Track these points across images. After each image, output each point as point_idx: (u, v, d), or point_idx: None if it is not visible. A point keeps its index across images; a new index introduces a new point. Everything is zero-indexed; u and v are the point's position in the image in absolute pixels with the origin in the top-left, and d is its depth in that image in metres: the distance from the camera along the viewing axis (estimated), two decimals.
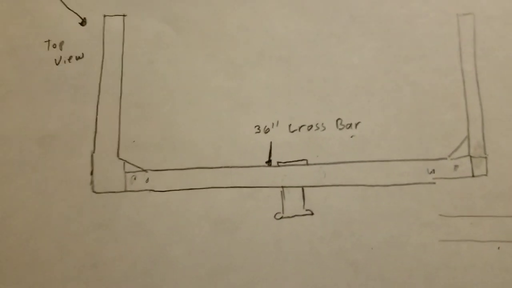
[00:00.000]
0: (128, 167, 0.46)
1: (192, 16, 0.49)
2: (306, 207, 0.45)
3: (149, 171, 0.46)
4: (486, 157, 0.46)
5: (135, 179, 0.46)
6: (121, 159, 0.46)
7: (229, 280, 0.45)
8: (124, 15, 0.49)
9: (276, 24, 0.49)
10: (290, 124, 0.46)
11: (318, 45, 0.48)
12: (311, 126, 0.46)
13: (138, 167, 0.46)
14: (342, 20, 0.48)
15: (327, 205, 0.45)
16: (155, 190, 0.46)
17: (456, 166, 0.45)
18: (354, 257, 0.45)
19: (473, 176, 0.45)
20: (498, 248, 0.44)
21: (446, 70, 0.47)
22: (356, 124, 0.46)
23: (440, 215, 0.45)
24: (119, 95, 0.47)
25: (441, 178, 0.45)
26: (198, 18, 0.49)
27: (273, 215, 0.45)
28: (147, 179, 0.46)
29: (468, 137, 0.46)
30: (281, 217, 0.45)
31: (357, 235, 0.45)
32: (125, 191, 0.46)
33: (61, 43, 0.49)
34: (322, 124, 0.46)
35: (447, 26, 0.48)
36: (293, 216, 0.45)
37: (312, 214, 0.45)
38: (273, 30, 0.49)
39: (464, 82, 0.47)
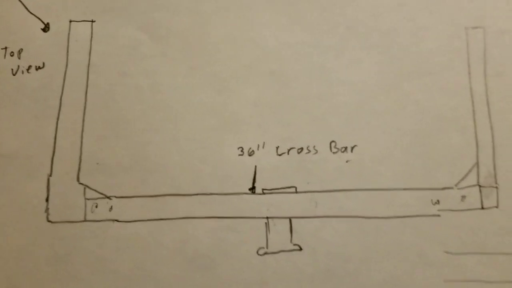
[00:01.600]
0: (89, 193, 0.44)
1: (172, 24, 0.48)
2: (294, 241, 0.43)
3: (113, 198, 0.43)
4: (497, 187, 0.44)
5: (96, 207, 0.44)
6: (81, 183, 0.44)
7: None
8: (92, 21, 0.48)
9: (266, 35, 0.48)
10: (278, 146, 0.44)
11: (313, 59, 0.47)
12: (302, 148, 0.44)
13: (101, 193, 0.44)
14: (339, 32, 0.48)
15: (319, 239, 0.43)
16: (120, 220, 0.44)
17: (463, 197, 0.44)
18: None
19: (482, 208, 0.44)
20: None
21: (454, 89, 0.46)
22: (352, 148, 0.45)
23: (446, 252, 0.43)
24: (83, 110, 0.46)
25: (446, 210, 0.44)
26: (179, 26, 0.48)
27: (256, 251, 0.43)
28: (111, 207, 0.44)
29: (477, 165, 0.45)
30: (265, 253, 0.43)
31: (352, 274, 0.43)
32: (85, 220, 0.44)
33: (20, 51, 0.47)
34: (314, 147, 0.45)
35: (455, 40, 0.47)
36: (278, 252, 0.43)
37: (301, 249, 0.43)
38: (263, 41, 0.48)
39: (473, 103, 0.46)
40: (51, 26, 0.48)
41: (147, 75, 0.47)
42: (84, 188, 0.44)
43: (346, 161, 0.45)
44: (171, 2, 0.48)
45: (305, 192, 0.44)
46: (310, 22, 0.48)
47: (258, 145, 0.45)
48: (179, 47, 0.47)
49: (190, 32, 0.48)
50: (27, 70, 0.47)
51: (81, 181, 0.44)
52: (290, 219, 0.44)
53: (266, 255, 0.43)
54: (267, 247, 0.43)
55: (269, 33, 0.48)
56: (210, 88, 0.46)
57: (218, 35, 0.48)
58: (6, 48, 0.47)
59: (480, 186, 0.44)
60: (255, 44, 0.47)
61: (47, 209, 0.44)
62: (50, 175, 0.44)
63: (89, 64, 0.47)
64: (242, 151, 0.45)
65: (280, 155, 0.45)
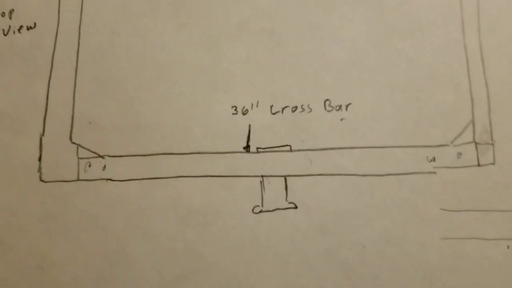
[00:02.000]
0: (82, 152, 0.44)
1: None
2: (289, 199, 0.42)
3: (106, 157, 0.43)
4: (493, 144, 0.44)
5: (90, 166, 0.43)
6: (74, 143, 0.44)
7: (199, 284, 0.42)
8: None
9: None
10: (272, 105, 0.44)
11: (304, 16, 0.46)
12: (296, 107, 0.44)
13: (94, 152, 0.44)
14: None
15: (313, 197, 0.43)
16: (114, 179, 0.43)
17: (459, 154, 0.44)
18: (344, 257, 0.42)
19: (478, 165, 0.43)
20: (508, 247, 0.42)
21: (447, 45, 0.45)
22: (347, 106, 0.44)
23: (442, 209, 0.43)
24: (75, 69, 0.45)
25: (442, 167, 0.43)
26: None
27: (251, 208, 0.43)
28: (104, 166, 0.43)
29: (472, 121, 0.44)
30: (260, 211, 0.43)
31: (347, 231, 0.43)
32: (78, 180, 0.43)
33: (11, 11, 0.47)
34: (308, 105, 0.44)
35: None
36: (274, 210, 0.43)
37: (296, 207, 0.42)
38: None
39: (467, 59, 0.45)
40: None
41: (138, 33, 0.46)
42: (77, 147, 0.44)
43: (341, 119, 0.44)
44: None
45: (299, 150, 0.44)
46: None
47: (252, 104, 0.45)
48: (170, 5, 0.46)
49: None
50: (19, 30, 0.46)
51: (73, 140, 0.44)
52: (285, 177, 0.43)
53: (261, 213, 0.43)
54: (262, 205, 0.43)
55: None
56: (201, 46, 0.46)
57: None
58: None
59: (476, 143, 0.44)
60: (246, 1, 0.46)
61: (39, 169, 0.43)
62: (43, 135, 0.44)
63: (80, 24, 0.46)
64: (235, 110, 0.44)
65: (274, 113, 0.44)
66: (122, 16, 0.46)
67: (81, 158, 0.43)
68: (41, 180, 0.43)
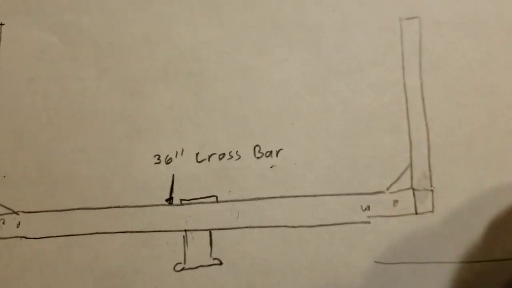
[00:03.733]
0: None
1: (83, 25, 0.45)
2: (214, 255, 0.40)
3: (21, 214, 0.41)
4: (432, 190, 0.42)
5: (3, 223, 0.42)
6: None
7: None
8: (1, 24, 0.46)
9: (184, 33, 0.45)
10: (198, 153, 0.42)
11: (234, 58, 0.45)
12: (223, 154, 0.42)
13: (8, 208, 0.42)
14: (262, 28, 0.45)
15: (240, 251, 0.41)
16: (28, 237, 0.41)
17: (395, 202, 0.42)
18: None
19: (416, 213, 0.41)
20: None
21: (386, 85, 0.44)
22: (278, 152, 0.43)
23: (376, 261, 0.41)
24: None
25: (377, 216, 0.41)
26: (90, 27, 0.45)
27: (173, 266, 0.41)
28: (19, 223, 0.42)
29: (411, 166, 0.42)
30: (182, 268, 0.41)
31: None
32: None
33: None
34: (237, 152, 0.42)
35: (388, 32, 0.45)
36: (197, 267, 0.41)
37: (221, 263, 0.41)
38: (180, 40, 0.45)
39: (407, 99, 0.43)
40: None
41: (56, 80, 0.44)
42: None
43: (271, 167, 0.42)
44: (81, 1, 0.45)
45: (226, 201, 0.42)
46: (231, 18, 0.45)
47: (177, 152, 0.43)
48: (90, 49, 0.45)
49: (101, 33, 0.45)
50: None
51: None
52: (210, 231, 0.41)
53: (183, 271, 0.41)
54: (184, 263, 0.41)
55: (186, 31, 0.45)
56: (123, 92, 0.44)
57: (132, 35, 0.45)
58: None
59: (414, 189, 0.42)
60: (172, 43, 0.45)
61: None
62: None
63: None
64: (158, 159, 0.42)
65: (200, 162, 0.43)
66: (40, 61, 0.44)
67: None
68: None
